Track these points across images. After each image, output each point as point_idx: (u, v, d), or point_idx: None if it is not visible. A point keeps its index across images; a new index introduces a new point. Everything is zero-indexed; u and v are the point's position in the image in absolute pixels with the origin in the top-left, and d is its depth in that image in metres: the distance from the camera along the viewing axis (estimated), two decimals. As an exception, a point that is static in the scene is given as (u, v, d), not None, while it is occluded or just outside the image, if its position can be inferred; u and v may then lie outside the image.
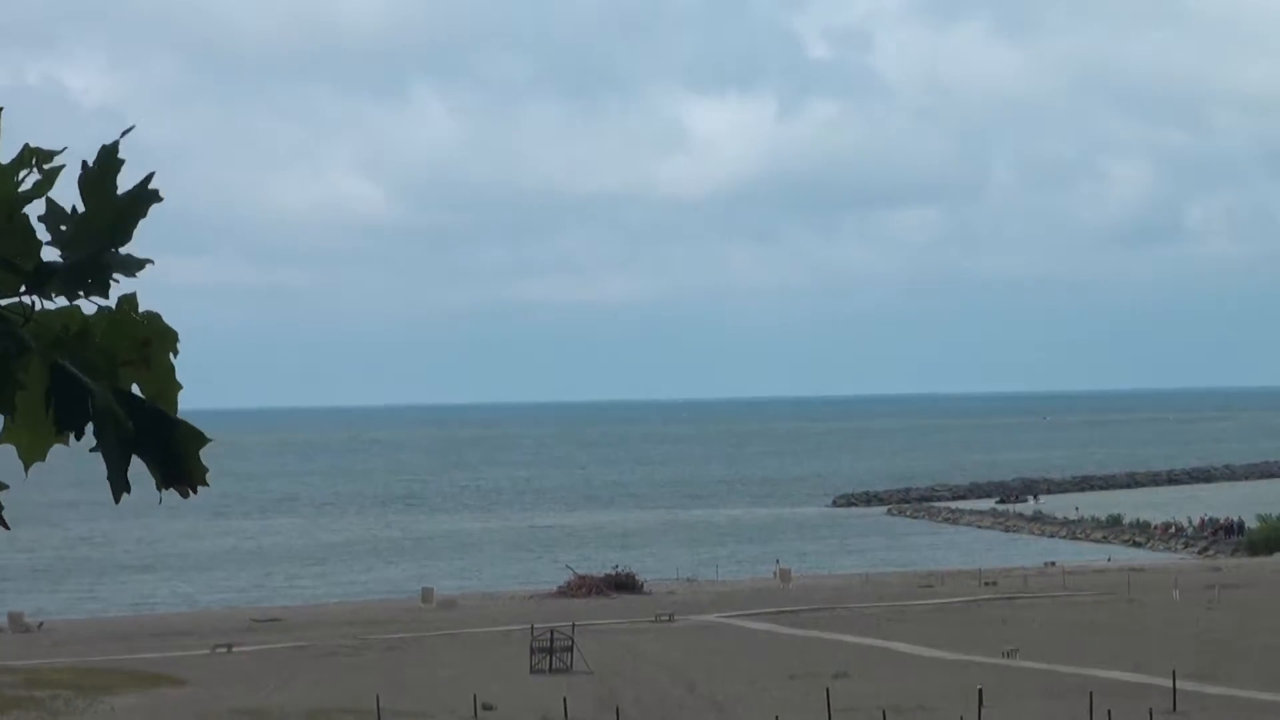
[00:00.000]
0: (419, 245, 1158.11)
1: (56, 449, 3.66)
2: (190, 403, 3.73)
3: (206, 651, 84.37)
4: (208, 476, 3.60)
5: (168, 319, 3.62)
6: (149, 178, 3.52)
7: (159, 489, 3.60)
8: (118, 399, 3.53)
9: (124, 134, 3.55)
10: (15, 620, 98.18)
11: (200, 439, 3.61)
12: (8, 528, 3.71)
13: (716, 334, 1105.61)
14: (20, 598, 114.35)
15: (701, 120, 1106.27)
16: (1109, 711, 55.27)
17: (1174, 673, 62.17)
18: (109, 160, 3.49)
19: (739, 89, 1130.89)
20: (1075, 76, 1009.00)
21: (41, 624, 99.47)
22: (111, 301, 3.60)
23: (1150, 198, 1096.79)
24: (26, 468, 3.61)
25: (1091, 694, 57.67)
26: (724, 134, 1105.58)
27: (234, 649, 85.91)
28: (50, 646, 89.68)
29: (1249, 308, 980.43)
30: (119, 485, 3.53)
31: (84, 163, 3.53)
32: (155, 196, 3.52)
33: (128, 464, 3.56)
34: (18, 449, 3.58)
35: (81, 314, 3.58)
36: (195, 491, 3.60)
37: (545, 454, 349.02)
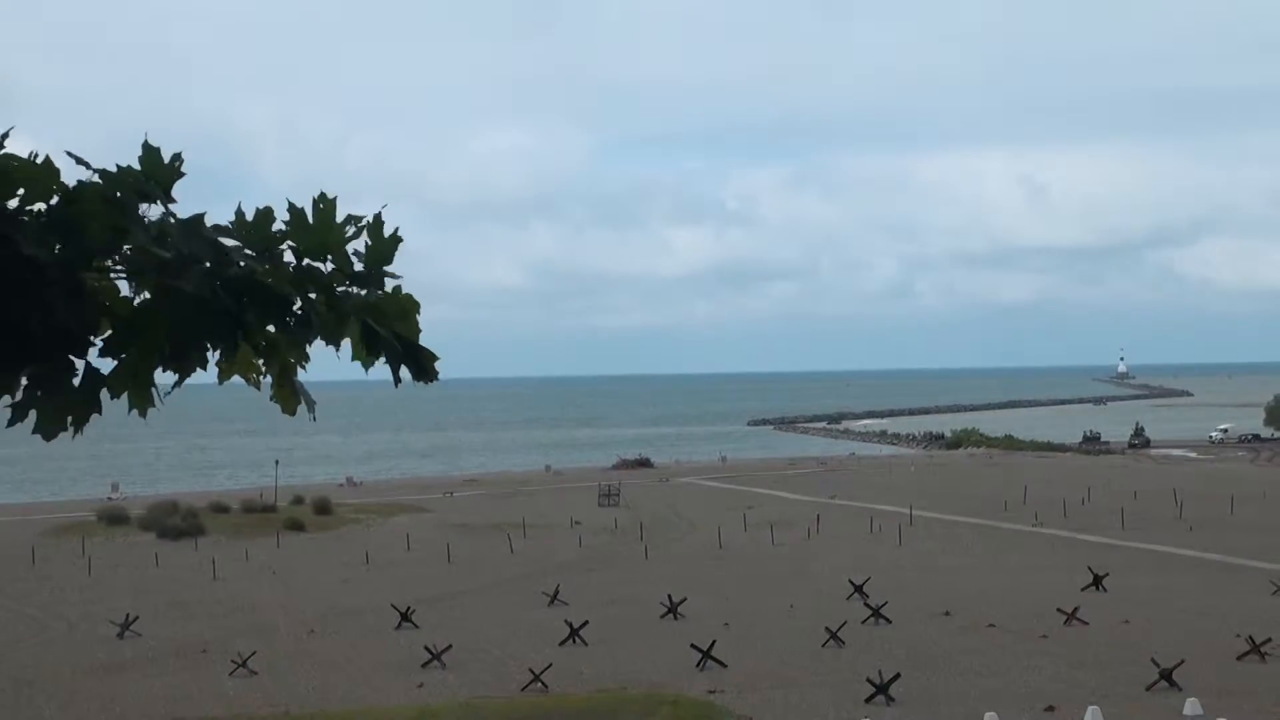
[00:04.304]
0: (540, 298, 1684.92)
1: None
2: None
3: (440, 495, 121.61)
4: (438, 376, 5.04)
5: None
6: (396, 230, 4.98)
7: (415, 380, 5.03)
8: (393, 336, 4.94)
9: (382, 208, 4.97)
10: (349, 480, 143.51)
11: (433, 357, 5.05)
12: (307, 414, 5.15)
13: (685, 343, 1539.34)
14: (349, 468, 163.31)
15: (677, 239, 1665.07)
16: (880, 525, 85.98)
17: (910, 505, 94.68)
18: (378, 219, 4.93)
19: (694, 223, 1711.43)
20: (861, 218, 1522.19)
21: (360, 482, 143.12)
22: (388, 289, 4.96)
23: (896, 277, 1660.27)
24: (366, 370, 4.99)
25: (872, 517, 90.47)
26: (687, 246, 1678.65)
27: (454, 494, 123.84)
28: (364, 493, 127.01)
29: (944, 329, 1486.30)
30: (396, 379, 5.04)
31: (368, 220, 4.93)
32: (399, 239, 4.97)
33: (399, 368, 4.98)
34: (361, 363, 4.96)
35: (375, 295, 4.95)
36: (430, 382, 5.05)
37: (596, 402, 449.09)
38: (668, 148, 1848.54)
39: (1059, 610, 48.94)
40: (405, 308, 4.97)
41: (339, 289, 4.88)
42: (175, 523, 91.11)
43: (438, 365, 5.07)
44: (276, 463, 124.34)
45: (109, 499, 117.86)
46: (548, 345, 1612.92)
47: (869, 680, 36.55)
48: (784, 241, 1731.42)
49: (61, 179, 4.62)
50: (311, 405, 5.10)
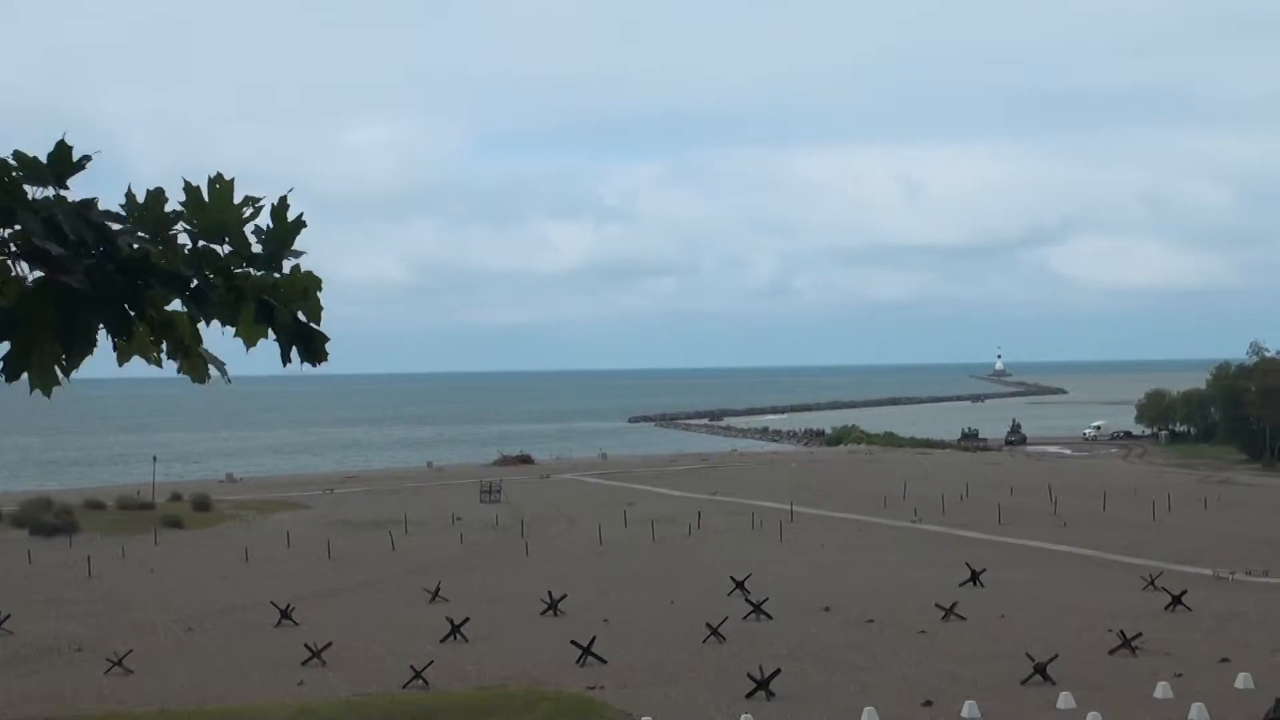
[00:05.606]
0: (419, 293, 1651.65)
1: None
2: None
3: (320, 492, 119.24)
4: (327, 357, 4.94)
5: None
6: (300, 215, 4.91)
7: (302, 363, 4.93)
8: (289, 317, 4.90)
9: (289, 191, 4.91)
10: (229, 477, 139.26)
11: (324, 338, 4.97)
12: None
13: (565, 340, 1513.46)
14: (230, 464, 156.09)
15: (555, 234, 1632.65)
16: (762, 521, 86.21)
17: (791, 502, 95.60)
18: (283, 203, 4.88)
19: (573, 218, 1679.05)
20: (739, 214, 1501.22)
21: (240, 478, 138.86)
22: (287, 270, 4.91)
23: (776, 274, 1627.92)
24: (248, 349, 4.93)
25: (753, 513, 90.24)
26: (566, 242, 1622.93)
27: (335, 491, 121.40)
28: (245, 490, 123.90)
29: (824, 326, 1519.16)
30: (285, 359, 4.93)
31: (273, 203, 4.87)
32: (303, 223, 4.91)
33: (290, 349, 4.91)
34: (244, 340, 4.88)
35: (272, 276, 4.89)
36: (319, 363, 4.93)
37: (476, 399, 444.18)
38: (544, 143, 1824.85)
39: (937, 605, 49.64)
40: (305, 287, 4.91)
41: (237, 270, 4.80)
42: (49, 520, 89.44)
43: (329, 348, 4.99)
44: (154, 459, 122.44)
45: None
46: (428, 341, 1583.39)
47: (749, 676, 36.84)
48: (663, 238, 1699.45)
49: None
50: (221, 367, 4.98)
